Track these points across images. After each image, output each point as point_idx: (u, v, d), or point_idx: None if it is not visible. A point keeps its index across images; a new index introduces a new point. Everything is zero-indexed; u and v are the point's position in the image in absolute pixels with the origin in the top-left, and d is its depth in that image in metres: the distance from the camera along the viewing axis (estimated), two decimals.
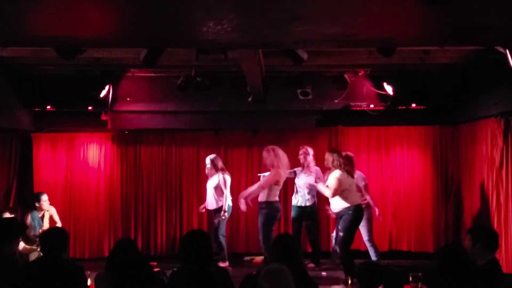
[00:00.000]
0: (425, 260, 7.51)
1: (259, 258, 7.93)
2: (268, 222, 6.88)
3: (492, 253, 4.07)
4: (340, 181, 6.45)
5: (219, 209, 7.51)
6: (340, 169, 6.50)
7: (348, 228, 6.47)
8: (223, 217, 7.47)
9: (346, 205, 6.47)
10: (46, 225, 7.20)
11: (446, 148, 8.55)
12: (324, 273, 7.20)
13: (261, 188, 7.04)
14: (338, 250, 6.92)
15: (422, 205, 8.53)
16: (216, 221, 7.55)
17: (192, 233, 3.91)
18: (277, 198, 7.02)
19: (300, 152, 7.64)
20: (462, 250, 3.85)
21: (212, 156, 7.76)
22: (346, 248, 6.51)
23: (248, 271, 4.08)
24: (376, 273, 3.73)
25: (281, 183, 7.10)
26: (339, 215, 6.57)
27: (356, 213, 6.51)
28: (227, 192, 7.52)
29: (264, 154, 7.15)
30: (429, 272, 4.18)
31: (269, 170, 7.13)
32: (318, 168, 7.63)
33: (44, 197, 7.29)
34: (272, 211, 6.91)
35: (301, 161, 7.64)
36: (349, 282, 4.34)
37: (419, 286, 4.10)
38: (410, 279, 4.14)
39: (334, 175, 6.49)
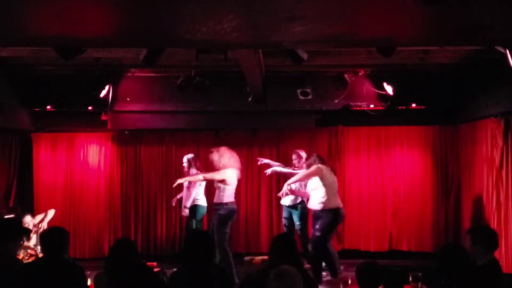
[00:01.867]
0: (425, 260, 7.52)
1: (259, 258, 7.93)
2: (223, 224, 6.65)
3: (492, 253, 4.07)
4: (319, 170, 6.56)
5: (192, 209, 7.44)
6: (323, 164, 6.64)
7: (325, 229, 6.52)
8: (183, 214, 7.43)
9: (327, 207, 6.54)
10: (33, 240, 7.11)
11: (446, 148, 8.55)
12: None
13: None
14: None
15: (422, 205, 8.54)
16: (189, 221, 7.53)
17: (194, 232, 3.92)
18: (232, 199, 6.77)
19: (293, 157, 7.54)
20: (462, 250, 3.85)
21: (190, 155, 7.70)
22: (320, 249, 6.55)
23: (248, 271, 4.09)
24: (375, 273, 3.73)
25: (234, 183, 6.85)
26: (317, 215, 6.62)
27: (335, 216, 6.57)
28: (194, 192, 7.40)
29: (210, 156, 7.00)
30: (429, 272, 4.18)
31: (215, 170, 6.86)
32: None
33: (27, 219, 7.19)
34: (227, 212, 6.69)
35: (296, 166, 7.56)
36: (349, 282, 4.35)
37: (419, 286, 4.10)
38: (410, 279, 4.14)
39: (316, 165, 6.61)
